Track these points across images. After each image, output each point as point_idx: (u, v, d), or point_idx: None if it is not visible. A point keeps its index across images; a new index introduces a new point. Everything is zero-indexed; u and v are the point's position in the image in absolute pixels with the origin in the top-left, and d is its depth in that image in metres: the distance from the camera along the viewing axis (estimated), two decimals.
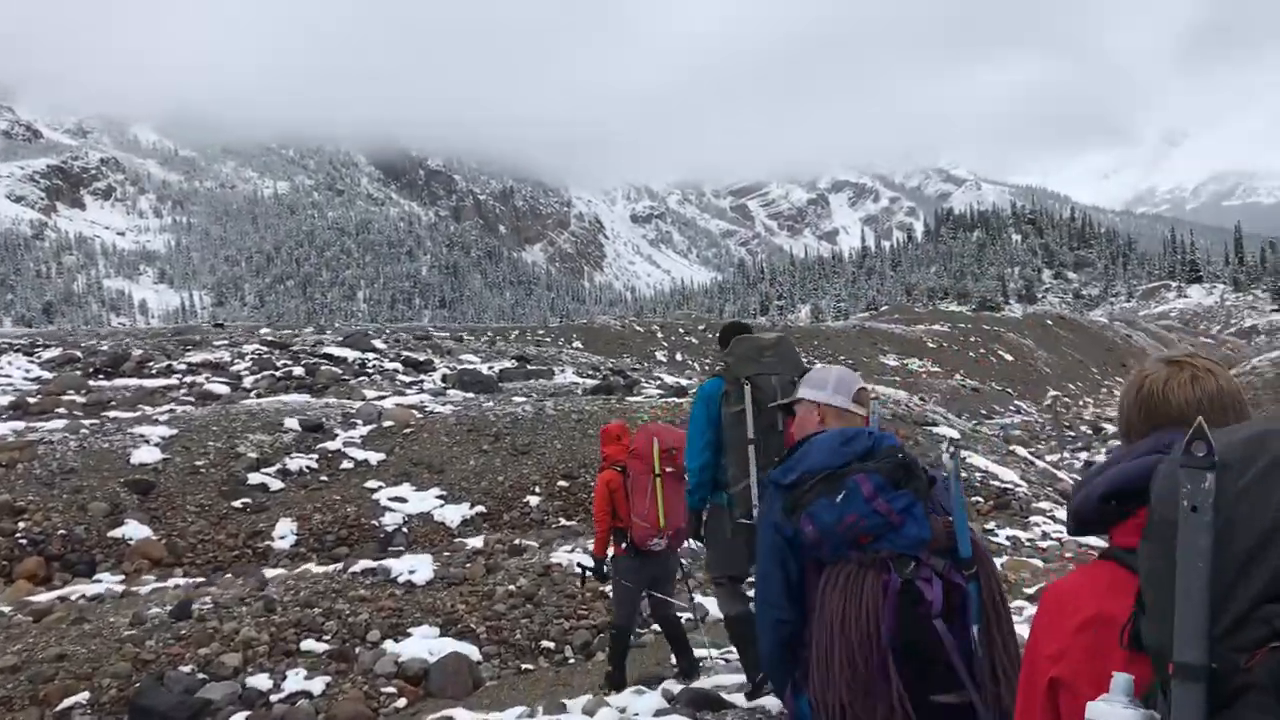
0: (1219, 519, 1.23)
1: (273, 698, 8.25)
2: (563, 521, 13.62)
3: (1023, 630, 2.09)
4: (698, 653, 7.88)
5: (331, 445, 15.43)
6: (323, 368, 22.25)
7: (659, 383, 25.34)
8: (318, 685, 8.42)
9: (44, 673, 8.31)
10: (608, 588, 8.16)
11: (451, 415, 16.86)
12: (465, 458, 15.15)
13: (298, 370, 21.89)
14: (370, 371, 22.76)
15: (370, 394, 19.61)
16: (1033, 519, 14.54)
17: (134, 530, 12.75)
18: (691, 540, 6.22)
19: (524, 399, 18.76)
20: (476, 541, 11.93)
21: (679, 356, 54.12)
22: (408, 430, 16.04)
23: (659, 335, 59.69)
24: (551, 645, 9.40)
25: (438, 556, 11.14)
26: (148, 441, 14.96)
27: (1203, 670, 1.19)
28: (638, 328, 61.83)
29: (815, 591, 2.66)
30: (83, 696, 8.07)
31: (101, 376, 21.47)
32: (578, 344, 52.05)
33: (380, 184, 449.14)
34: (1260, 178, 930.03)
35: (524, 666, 9.07)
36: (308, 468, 14.81)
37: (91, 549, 12.39)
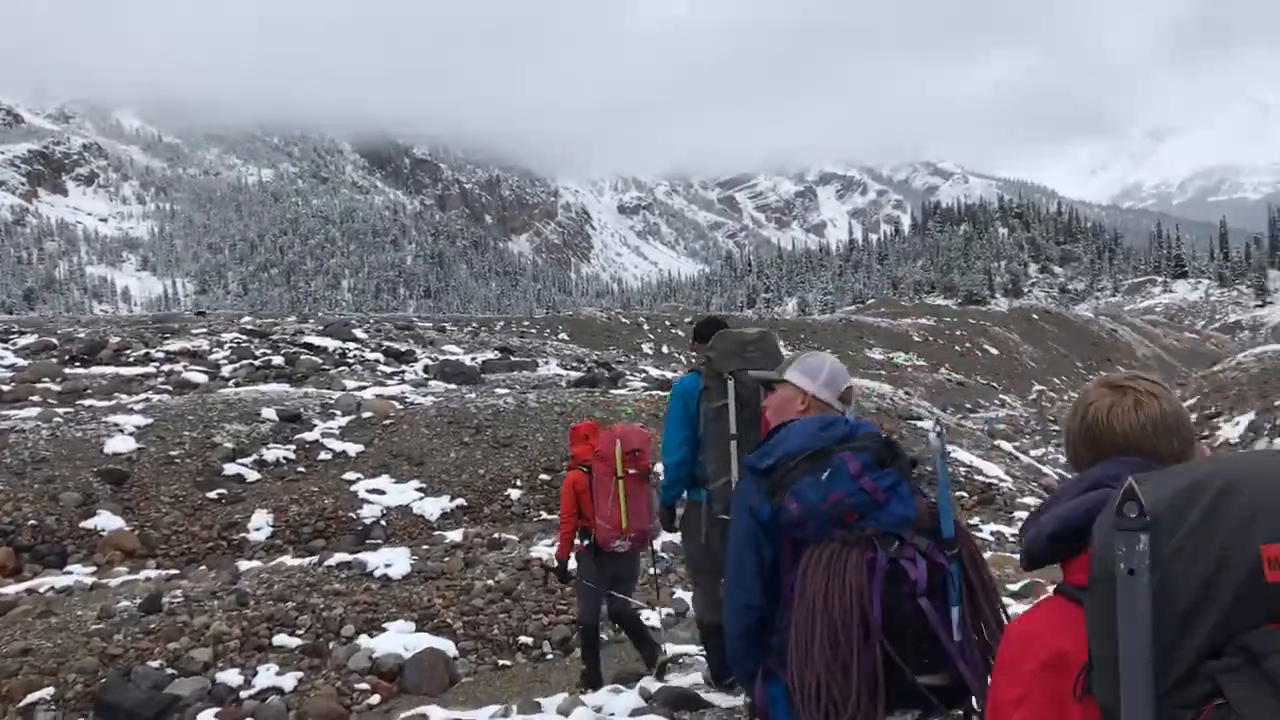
0: (1156, 577, 1.23)
1: (243, 694, 8.07)
2: (544, 515, 13.45)
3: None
4: (679, 649, 7.77)
5: (309, 436, 15.22)
6: (302, 357, 22.00)
7: (644, 375, 25.19)
8: (289, 681, 8.24)
9: (7, 667, 8.11)
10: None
11: (432, 407, 16.67)
12: (446, 450, 14.97)
13: (277, 359, 21.63)
14: (351, 361, 22.52)
15: (350, 384, 19.39)
16: (1017, 514, 14.45)
17: (106, 521, 12.53)
18: (665, 532, 6.15)
19: (506, 391, 18.58)
20: (455, 535, 11.75)
21: (665, 349, 54.07)
22: (387, 421, 15.85)
23: (645, 328, 59.67)
24: (529, 641, 9.25)
25: (415, 550, 10.96)
26: (122, 430, 14.72)
27: None
28: (624, 320, 61.80)
29: (790, 575, 2.64)
30: (47, 692, 7.88)
31: (77, 364, 21.18)
32: (563, 335, 51.93)
33: (365, 172, 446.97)
34: (1245, 174, 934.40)
35: (501, 663, 8.92)
36: (285, 458, 14.60)
37: (62, 540, 12.16)
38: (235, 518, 13.01)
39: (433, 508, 13.47)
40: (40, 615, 9.27)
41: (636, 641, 7.15)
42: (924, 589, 2.54)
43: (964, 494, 15.40)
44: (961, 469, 16.36)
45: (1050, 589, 1.70)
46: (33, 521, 12.22)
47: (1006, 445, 21.06)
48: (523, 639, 9.24)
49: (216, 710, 7.75)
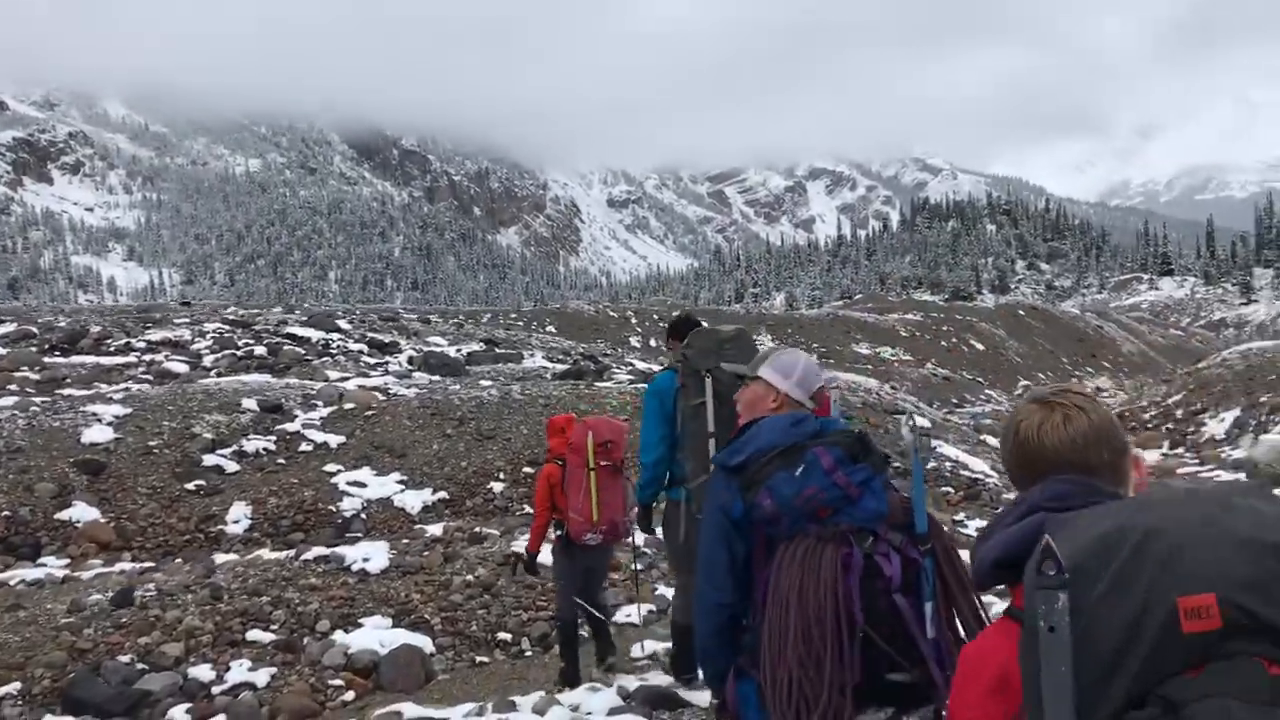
0: (1079, 625, 1.25)
1: (214, 690, 7.92)
2: (527, 509, 13.28)
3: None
4: (660, 645, 7.66)
5: (290, 427, 15.03)
6: (285, 348, 21.79)
7: (630, 369, 25.05)
8: (262, 677, 8.09)
9: None
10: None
11: (415, 398, 16.50)
12: (428, 442, 14.80)
13: (260, 350, 21.41)
14: (334, 352, 22.31)
15: (333, 375, 19.20)
16: (1002, 509, 14.37)
17: (82, 512, 12.34)
18: (642, 533, 6.11)
19: (491, 383, 18.41)
20: (436, 529, 11.60)
21: (653, 342, 53.93)
22: (369, 413, 15.68)
23: (633, 321, 59.58)
24: (508, 637, 9.10)
25: (394, 544, 10.80)
26: (100, 420, 14.51)
27: None
28: (612, 313, 61.68)
29: (762, 573, 2.64)
30: (14, 687, 7.71)
31: (57, 353, 20.92)
32: (551, 328, 51.78)
33: (353, 163, 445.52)
34: (1232, 172, 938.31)
35: (479, 659, 8.78)
36: (265, 450, 14.41)
37: (37, 531, 11.99)
38: (213, 510, 12.83)
39: (414, 501, 13.31)
40: (9, 608, 9.10)
41: (597, 637, 7.16)
42: (898, 585, 2.53)
43: (949, 489, 15.31)
44: (947, 464, 16.27)
45: None
46: (6, 513, 12.04)
47: (992, 440, 20.99)
48: (501, 635, 9.10)
49: (187, 706, 7.60)
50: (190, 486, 13.24)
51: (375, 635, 8.79)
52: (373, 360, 21.94)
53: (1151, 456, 18.73)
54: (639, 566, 8.81)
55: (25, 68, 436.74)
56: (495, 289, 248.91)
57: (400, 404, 16.17)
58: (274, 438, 14.74)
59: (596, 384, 19.28)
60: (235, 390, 16.45)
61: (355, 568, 10.00)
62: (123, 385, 17.98)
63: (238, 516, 12.72)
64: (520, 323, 52.91)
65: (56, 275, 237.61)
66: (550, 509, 6.74)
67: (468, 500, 13.50)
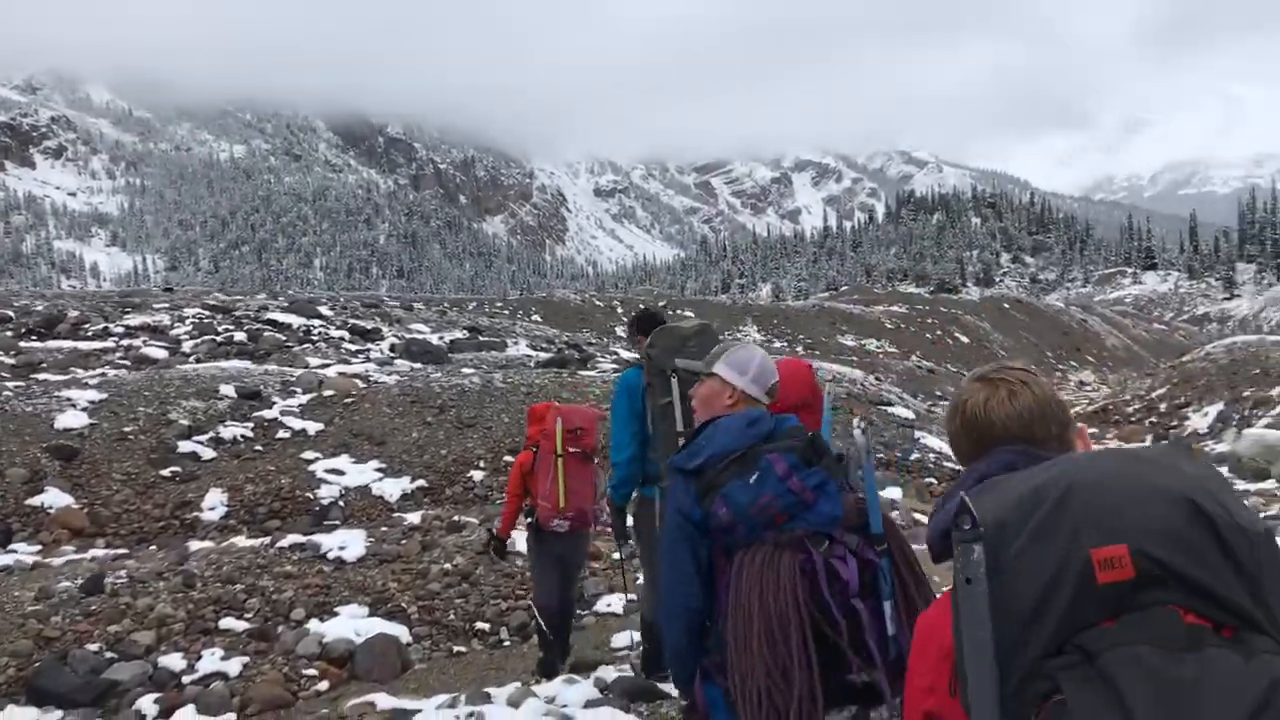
0: (1001, 581, 1.27)
1: (185, 679, 7.75)
2: (506, 493, 13.18)
3: None
4: (638, 635, 7.55)
5: (268, 414, 14.85)
6: (266, 334, 21.56)
7: (615, 357, 24.92)
8: (234, 666, 7.93)
9: None
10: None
11: (396, 386, 16.33)
12: (408, 430, 14.64)
13: (240, 336, 21.19)
14: (315, 339, 22.10)
15: (314, 362, 19.01)
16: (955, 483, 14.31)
17: (54, 498, 12.15)
18: (617, 538, 6.04)
19: (473, 370, 18.26)
20: (414, 517, 11.44)
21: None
22: (349, 400, 15.50)
23: (619, 310, 59.36)
24: (486, 627, 8.97)
25: (372, 532, 10.64)
26: (75, 406, 14.31)
27: None
28: (597, 302, 61.49)
29: (723, 576, 2.66)
30: None
31: (34, 338, 20.66)
32: (536, 317, 51.57)
33: (339, 150, 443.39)
34: (1215, 167, 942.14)
35: (456, 649, 8.65)
36: (242, 436, 14.23)
37: (8, 518, 11.78)
38: (189, 496, 12.66)
39: (393, 489, 13.16)
40: None
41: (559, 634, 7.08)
42: (856, 588, 2.57)
43: (933, 480, 15.25)
44: (931, 455, 16.21)
45: None
46: None
47: None
48: (479, 625, 8.97)
49: (156, 696, 7.43)
50: (166, 473, 13.06)
51: (351, 624, 8.64)
52: (354, 347, 21.74)
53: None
54: (623, 555, 8.69)
55: (7, 51, 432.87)
56: (481, 277, 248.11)
57: (380, 391, 16.00)
58: (252, 424, 14.56)
59: (580, 372, 19.14)
60: (213, 376, 16.25)
61: (332, 556, 9.84)
62: (99, 370, 17.76)
63: (213, 503, 12.54)
64: (505, 311, 52.66)
65: (39, 260, 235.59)
66: (522, 495, 6.72)
67: (447, 488, 13.35)
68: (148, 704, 7.32)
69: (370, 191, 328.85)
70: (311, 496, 12.83)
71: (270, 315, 23.85)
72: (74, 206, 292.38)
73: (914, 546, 2.80)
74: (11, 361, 18.15)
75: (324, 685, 7.85)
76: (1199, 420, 20.42)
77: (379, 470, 13.50)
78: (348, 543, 10.10)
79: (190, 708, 7.33)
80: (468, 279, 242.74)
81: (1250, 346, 24.60)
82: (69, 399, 14.50)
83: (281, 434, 14.37)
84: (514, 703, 5.81)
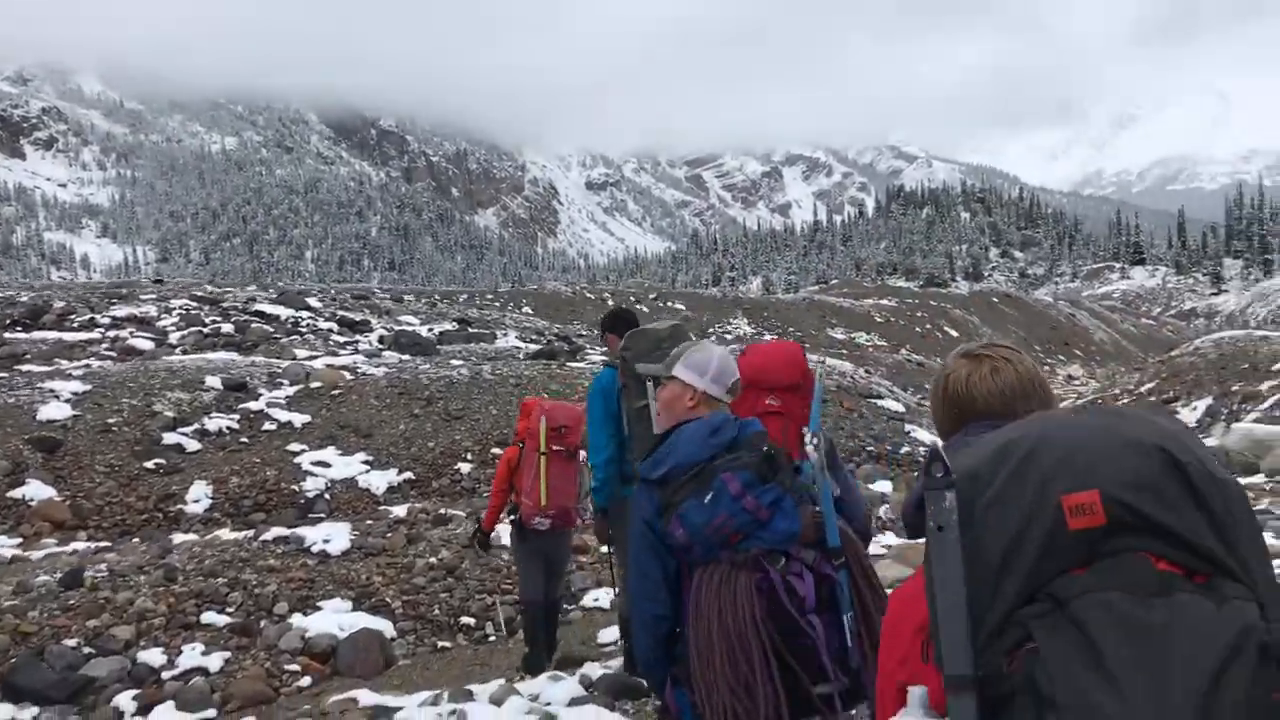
0: (972, 532, 1.26)
1: (165, 675, 7.65)
2: (491, 487, 13.08)
3: None
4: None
5: (254, 405, 14.72)
6: (253, 325, 21.39)
7: (605, 349, 24.80)
8: (215, 661, 7.83)
9: None
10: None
11: (383, 378, 16.21)
12: (395, 422, 14.53)
13: (227, 327, 21.02)
14: (303, 330, 21.94)
15: (302, 353, 18.86)
16: None
17: (36, 490, 12.02)
18: (600, 543, 6.02)
19: (461, 362, 18.15)
20: (400, 510, 11.35)
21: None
22: (336, 392, 15.38)
23: (610, 303, 59.21)
24: (471, 622, 8.89)
25: (356, 525, 10.55)
26: (58, 397, 14.17)
27: (970, 680, 1.22)
28: (589, 295, 61.38)
29: (687, 587, 2.69)
30: None
31: (18, 328, 20.47)
32: (527, 309, 51.43)
33: (331, 142, 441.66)
34: (1203, 163, 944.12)
35: (441, 644, 8.56)
36: (228, 428, 14.10)
37: None
38: (173, 489, 12.54)
39: (379, 481, 13.05)
40: None
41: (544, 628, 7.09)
42: (812, 604, 2.59)
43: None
44: (922, 448, 16.16)
45: None
46: None
47: None
48: (465, 619, 8.89)
49: (135, 692, 7.33)
50: (150, 465, 12.93)
51: (334, 619, 8.55)
52: (342, 339, 21.59)
53: None
54: (611, 549, 8.61)
55: None
56: (473, 270, 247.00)
57: (368, 383, 15.89)
58: (237, 416, 14.43)
59: (569, 364, 19.04)
60: (199, 368, 16.12)
61: (316, 549, 9.75)
62: (84, 362, 17.60)
63: (198, 496, 12.42)
64: (496, 303, 52.52)
65: (29, 251, 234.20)
66: (507, 490, 6.76)
67: (434, 481, 13.25)
68: (126, 700, 7.22)
69: (362, 184, 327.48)
70: (297, 489, 12.72)
71: (258, 307, 23.67)
72: (64, 198, 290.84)
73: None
74: None
75: (306, 681, 7.76)
76: (1187, 415, 20.38)
77: (366, 463, 13.39)
78: (332, 536, 10.00)
79: (169, 704, 7.24)
80: (459, 271, 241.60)
81: (1239, 341, 24.57)
82: (52, 390, 14.36)
83: (268, 426, 14.25)
84: (497, 700, 5.72)
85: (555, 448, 6.41)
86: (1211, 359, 23.29)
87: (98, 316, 21.68)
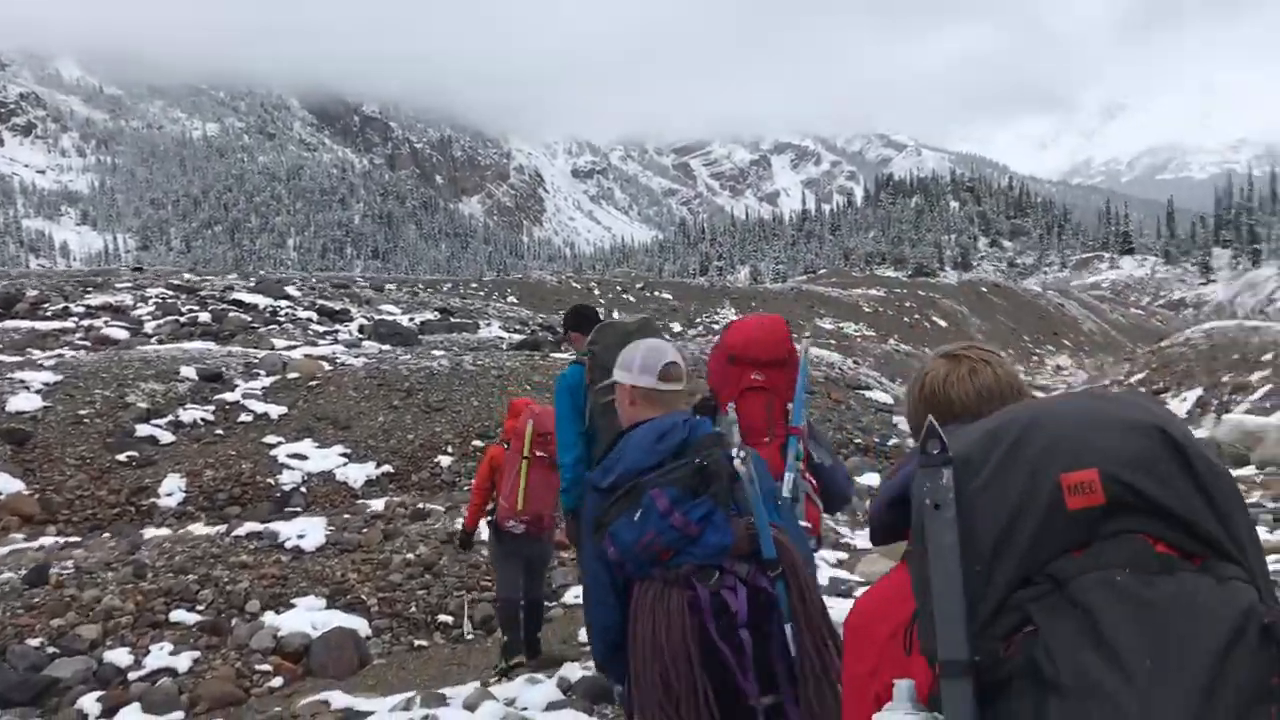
0: (965, 514, 1.24)
1: (131, 675, 7.43)
2: (473, 484, 12.83)
3: None
4: None
5: (230, 397, 14.42)
6: (231, 314, 21.07)
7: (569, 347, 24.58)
8: (184, 661, 7.60)
9: None
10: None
11: (362, 368, 15.92)
12: (374, 414, 14.25)
13: (204, 316, 20.69)
14: (282, 320, 21.63)
15: (280, 343, 18.57)
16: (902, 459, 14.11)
17: (4, 484, 11.71)
18: (571, 542, 5.90)
19: (443, 353, 17.87)
20: (377, 504, 11.09)
21: (616, 314, 53.47)
22: (314, 383, 15.09)
23: (596, 292, 59.16)
24: (449, 619, 8.66)
25: (332, 520, 10.29)
26: (28, 388, 13.86)
27: (966, 665, 1.19)
28: (575, 284, 61.23)
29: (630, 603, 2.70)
30: None
31: None
32: (512, 298, 51.18)
33: (313, 129, 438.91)
34: (1192, 153, 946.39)
35: (417, 643, 8.34)
36: (202, 420, 13.81)
37: None
38: (145, 482, 12.26)
39: (357, 474, 12.78)
40: None
41: (526, 629, 7.03)
42: (744, 619, 2.57)
43: None
44: (910, 440, 15.99)
45: None
46: None
47: None
48: (442, 617, 8.66)
49: (100, 694, 7.10)
50: (122, 458, 12.65)
51: (308, 617, 8.32)
52: (322, 328, 21.31)
53: None
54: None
55: None
56: (457, 258, 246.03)
57: (346, 374, 15.60)
58: (212, 407, 14.15)
59: (553, 355, 18.79)
60: (174, 358, 15.80)
61: (289, 545, 9.50)
62: (57, 352, 17.28)
63: (171, 489, 12.15)
64: (481, 292, 52.25)
65: (7, 239, 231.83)
66: (489, 489, 6.83)
67: (413, 474, 12.99)
68: (90, 703, 7.00)
69: (345, 171, 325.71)
70: (273, 482, 12.45)
71: (236, 296, 23.34)
72: (43, 185, 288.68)
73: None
74: None
75: (277, 681, 7.54)
76: (1178, 405, 20.30)
77: (343, 455, 13.12)
78: (307, 531, 9.76)
79: (135, 706, 7.02)
80: (444, 260, 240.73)
81: (1229, 332, 24.51)
82: (22, 381, 14.04)
83: (243, 417, 13.96)
84: (470, 705, 5.50)
85: (539, 454, 6.40)
86: (1202, 349, 23.24)
87: (72, 305, 21.35)
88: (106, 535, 10.63)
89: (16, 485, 11.76)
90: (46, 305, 21.01)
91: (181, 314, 20.85)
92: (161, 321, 20.27)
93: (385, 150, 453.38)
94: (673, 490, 2.58)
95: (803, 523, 3.77)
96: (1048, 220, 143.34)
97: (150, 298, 22.44)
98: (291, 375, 15.26)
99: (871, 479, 12.97)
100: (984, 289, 72.39)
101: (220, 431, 13.61)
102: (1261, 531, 10.42)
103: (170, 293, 23.18)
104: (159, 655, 7.65)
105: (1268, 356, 20.47)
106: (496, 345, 20.54)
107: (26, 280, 26.73)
